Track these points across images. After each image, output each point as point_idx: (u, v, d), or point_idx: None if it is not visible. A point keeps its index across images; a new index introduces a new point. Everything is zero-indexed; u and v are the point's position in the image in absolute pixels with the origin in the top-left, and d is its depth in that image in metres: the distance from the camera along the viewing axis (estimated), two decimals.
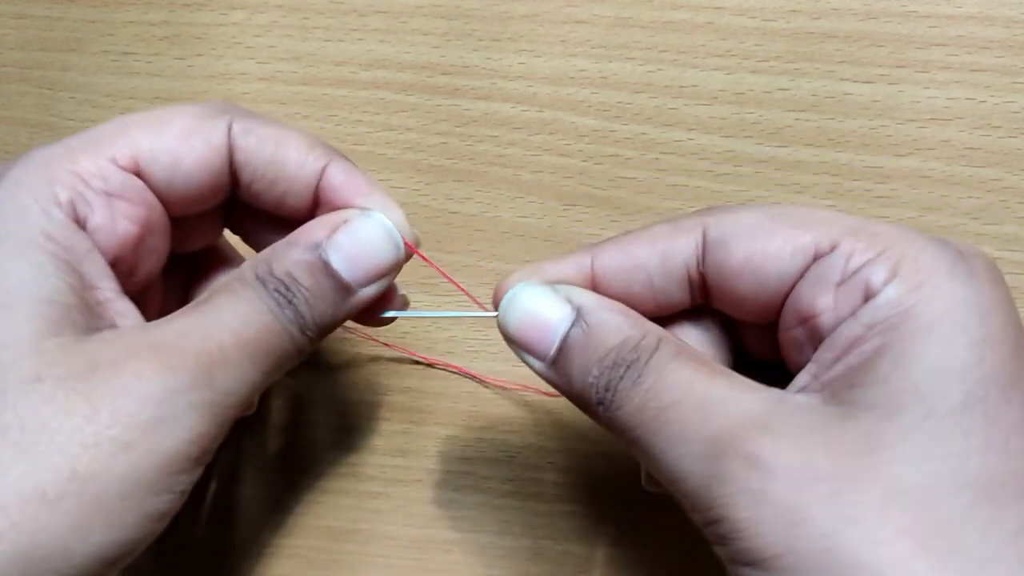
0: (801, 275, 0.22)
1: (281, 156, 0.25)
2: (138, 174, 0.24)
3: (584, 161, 0.36)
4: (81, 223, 0.23)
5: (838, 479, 0.19)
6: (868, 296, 0.21)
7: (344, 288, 0.25)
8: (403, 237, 0.26)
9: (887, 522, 0.19)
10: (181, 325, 0.23)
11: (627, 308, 0.24)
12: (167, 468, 0.21)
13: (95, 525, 0.20)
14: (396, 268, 0.26)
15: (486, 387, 0.35)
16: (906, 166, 0.34)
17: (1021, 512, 0.19)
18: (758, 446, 0.20)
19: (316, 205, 0.26)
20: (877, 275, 0.21)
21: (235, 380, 0.23)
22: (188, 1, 0.38)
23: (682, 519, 0.33)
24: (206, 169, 0.25)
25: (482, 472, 0.34)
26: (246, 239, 0.30)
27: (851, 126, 0.35)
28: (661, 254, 0.24)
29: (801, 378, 0.22)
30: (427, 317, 0.28)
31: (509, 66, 0.36)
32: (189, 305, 0.24)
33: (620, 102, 0.36)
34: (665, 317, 0.26)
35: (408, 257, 0.26)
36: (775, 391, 0.22)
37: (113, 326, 0.23)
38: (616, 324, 0.23)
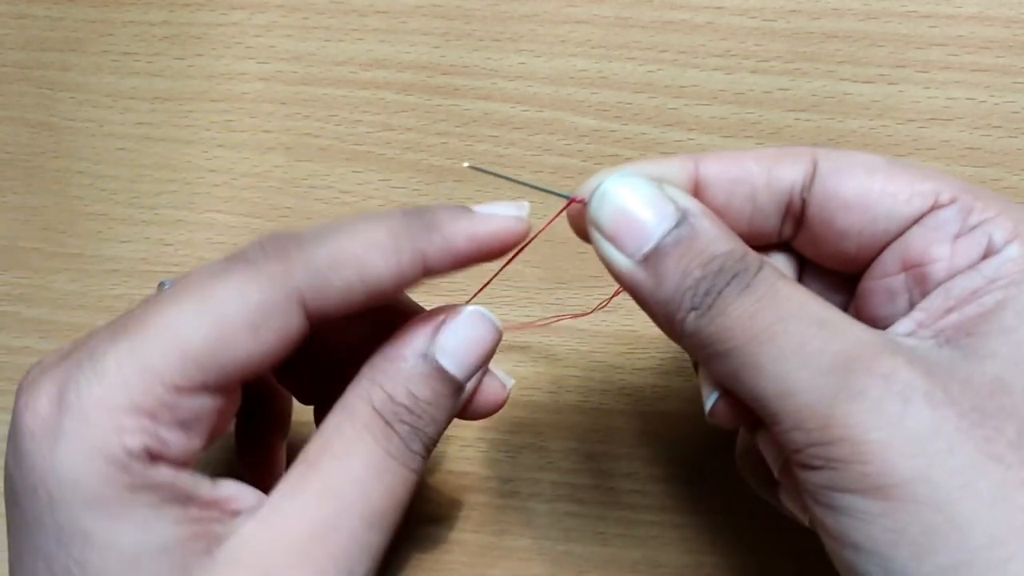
0: (915, 220, 0.22)
1: (373, 291, 0.22)
2: (206, 389, 0.21)
3: (584, 161, 0.36)
4: (157, 457, 0.21)
5: (977, 412, 0.19)
6: (988, 252, 0.21)
7: (458, 389, 0.24)
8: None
9: None
10: (304, 520, 0.21)
11: (730, 228, 0.23)
12: None
13: None
14: (496, 348, 0.25)
15: None
16: None
17: None
18: (892, 366, 0.19)
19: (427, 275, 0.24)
20: (999, 233, 0.21)
21: (370, 560, 0.22)
22: (188, 1, 0.38)
23: (682, 520, 0.33)
24: (280, 355, 0.22)
25: (482, 472, 0.34)
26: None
27: (851, 126, 0.35)
28: (769, 171, 0.23)
29: (904, 325, 0.21)
30: (510, 180, 0.26)
31: (509, 66, 0.36)
32: (301, 469, 0.22)
33: (620, 102, 0.36)
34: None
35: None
36: (884, 332, 0.21)
37: (228, 514, 0.22)
38: (723, 234, 0.22)
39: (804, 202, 0.23)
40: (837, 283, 0.25)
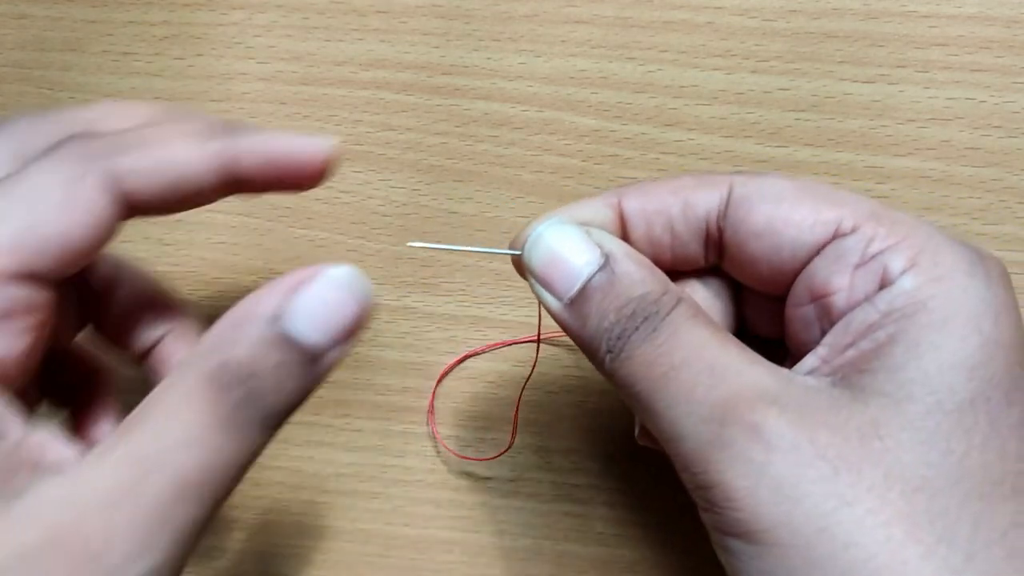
0: (819, 249, 0.23)
1: (182, 178, 0.23)
2: (23, 277, 0.21)
3: (584, 161, 0.36)
4: None
5: (840, 460, 0.20)
6: (884, 282, 0.21)
7: (311, 359, 0.21)
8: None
9: (884, 507, 0.19)
10: (110, 481, 0.20)
11: (654, 265, 0.24)
12: None
13: None
14: (365, 320, 0.22)
15: (488, 384, 0.35)
16: (906, 166, 0.34)
17: (1011, 512, 0.19)
18: (764, 416, 0.20)
19: (231, 185, 0.24)
20: (895, 263, 0.21)
21: (177, 533, 0.20)
22: (188, 1, 0.38)
23: (683, 521, 0.33)
24: (95, 236, 0.22)
25: (482, 472, 0.34)
26: None
27: (851, 126, 0.35)
28: (684, 202, 0.24)
29: (810, 360, 0.22)
30: (452, 250, 0.26)
31: (509, 66, 0.36)
32: (122, 428, 0.20)
33: (620, 102, 0.36)
34: (677, 275, 0.26)
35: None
36: (784, 370, 0.22)
37: (37, 465, 0.20)
38: (641, 276, 0.23)
39: (720, 230, 0.24)
40: (775, 303, 0.25)
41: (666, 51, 0.36)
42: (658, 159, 0.35)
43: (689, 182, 0.24)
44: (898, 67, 0.34)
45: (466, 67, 0.37)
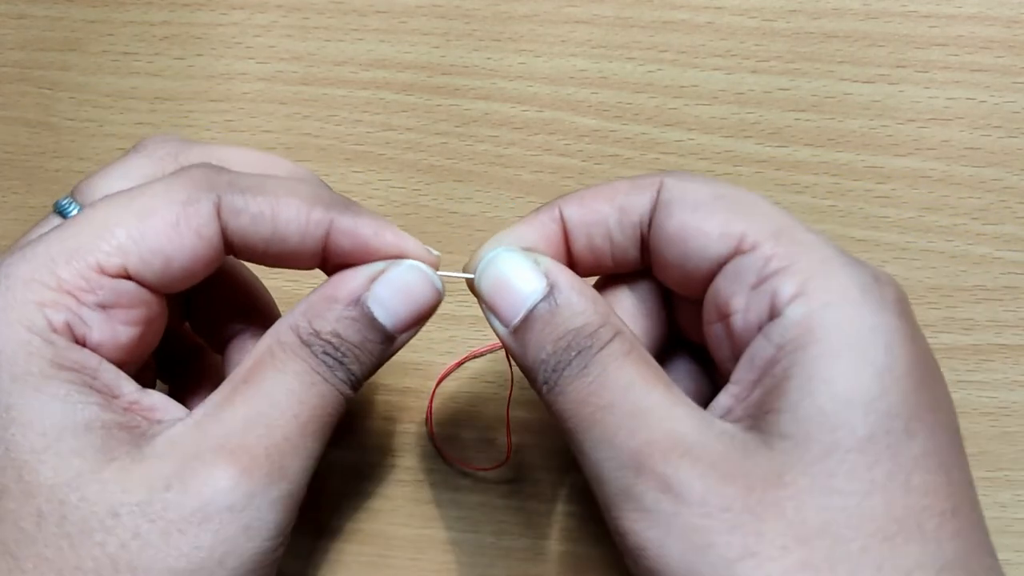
0: (721, 264, 0.22)
1: (280, 234, 0.24)
2: (128, 278, 0.23)
3: (584, 161, 0.36)
4: (80, 342, 0.22)
5: (745, 511, 0.20)
6: (773, 309, 0.21)
7: (388, 338, 0.25)
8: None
9: (785, 556, 0.19)
10: (239, 417, 0.22)
11: (598, 296, 0.24)
12: (258, 566, 0.22)
13: None
14: (435, 309, 0.26)
15: (487, 384, 0.35)
16: (906, 166, 0.34)
17: (916, 553, 0.19)
18: (676, 469, 0.20)
19: (325, 258, 0.25)
20: (785, 288, 0.21)
21: (304, 461, 0.23)
22: (188, 1, 0.38)
23: None
24: (199, 260, 0.23)
25: (481, 472, 0.34)
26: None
27: (851, 126, 0.35)
28: (619, 210, 0.24)
29: (723, 399, 0.22)
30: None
31: (509, 66, 0.36)
32: (234, 383, 0.23)
33: (620, 102, 0.36)
34: (608, 280, 0.26)
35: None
36: (705, 415, 0.22)
37: (153, 422, 0.23)
38: (582, 307, 0.23)
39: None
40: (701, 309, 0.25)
41: (666, 51, 0.36)
42: (658, 159, 0.35)
43: (622, 187, 0.24)
44: (898, 67, 0.34)
45: (466, 67, 0.37)
